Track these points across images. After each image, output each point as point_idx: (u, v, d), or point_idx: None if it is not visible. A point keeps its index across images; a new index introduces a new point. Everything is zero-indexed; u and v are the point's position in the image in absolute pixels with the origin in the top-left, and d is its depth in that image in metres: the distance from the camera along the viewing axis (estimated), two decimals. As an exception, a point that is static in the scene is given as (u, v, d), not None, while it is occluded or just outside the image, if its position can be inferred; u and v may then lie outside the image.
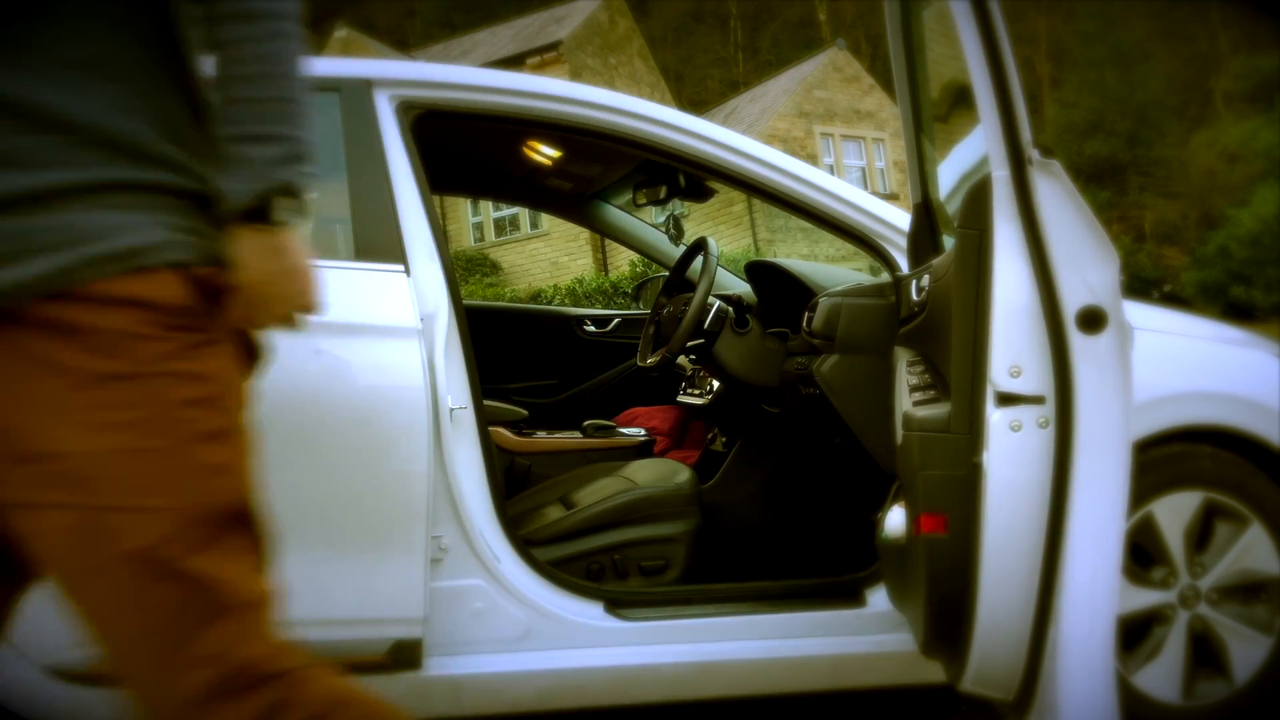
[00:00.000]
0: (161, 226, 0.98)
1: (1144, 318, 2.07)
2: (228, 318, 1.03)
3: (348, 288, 1.94)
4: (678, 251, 3.13)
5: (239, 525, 1.04)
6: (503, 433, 2.82)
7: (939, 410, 1.68)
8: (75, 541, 0.95)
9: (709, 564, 2.37)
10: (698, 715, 2.16)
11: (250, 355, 1.12)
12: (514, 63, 20.22)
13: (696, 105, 25.42)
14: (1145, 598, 2.00)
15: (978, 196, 1.61)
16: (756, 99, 22.92)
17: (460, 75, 2.18)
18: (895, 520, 1.83)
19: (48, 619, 1.81)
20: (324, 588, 1.86)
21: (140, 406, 0.96)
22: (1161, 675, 2.00)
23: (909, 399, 1.85)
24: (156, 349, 0.96)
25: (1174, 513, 2.00)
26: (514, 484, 2.75)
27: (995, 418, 1.58)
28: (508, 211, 20.55)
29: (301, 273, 1.05)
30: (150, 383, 0.96)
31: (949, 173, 2.08)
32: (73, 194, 0.94)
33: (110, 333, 0.94)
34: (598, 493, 2.38)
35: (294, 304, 1.06)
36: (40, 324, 0.93)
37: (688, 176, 2.86)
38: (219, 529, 1.00)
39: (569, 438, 2.95)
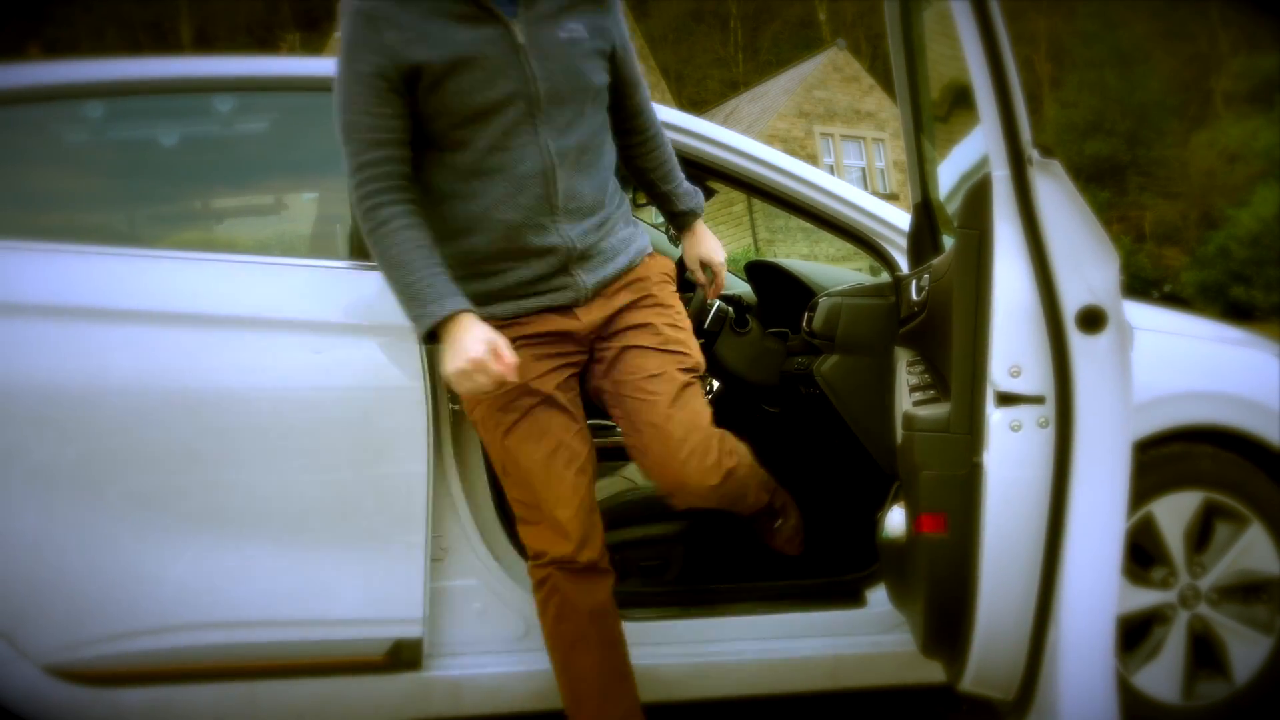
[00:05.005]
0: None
1: (1144, 318, 2.07)
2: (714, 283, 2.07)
3: (347, 287, 1.94)
4: (678, 252, 3.12)
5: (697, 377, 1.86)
6: (503, 433, 2.81)
7: (939, 410, 1.68)
8: (658, 361, 1.82)
9: (708, 564, 2.37)
10: (698, 715, 2.16)
11: None
12: (514, 63, 20.15)
13: (696, 105, 25.43)
14: (1145, 598, 2.00)
15: (977, 196, 1.61)
16: (756, 99, 22.93)
17: (460, 75, 2.18)
18: (895, 520, 1.83)
19: (48, 619, 1.82)
20: (325, 587, 1.86)
21: (665, 310, 1.88)
22: (1161, 675, 2.00)
23: (909, 399, 1.85)
24: (669, 287, 1.91)
25: (1174, 513, 2.00)
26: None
27: (995, 418, 1.58)
28: (508, 211, 20.49)
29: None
30: (667, 300, 1.89)
31: (949, 173, 2.08)
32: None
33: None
34: (598, 493, 2.38)
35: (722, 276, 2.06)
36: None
37: (688, 176, 2.86)
38: (694, 375, 1.84)
39: (569, 438, 2.94)
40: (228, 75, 2.11)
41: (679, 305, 1.90)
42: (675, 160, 1.99)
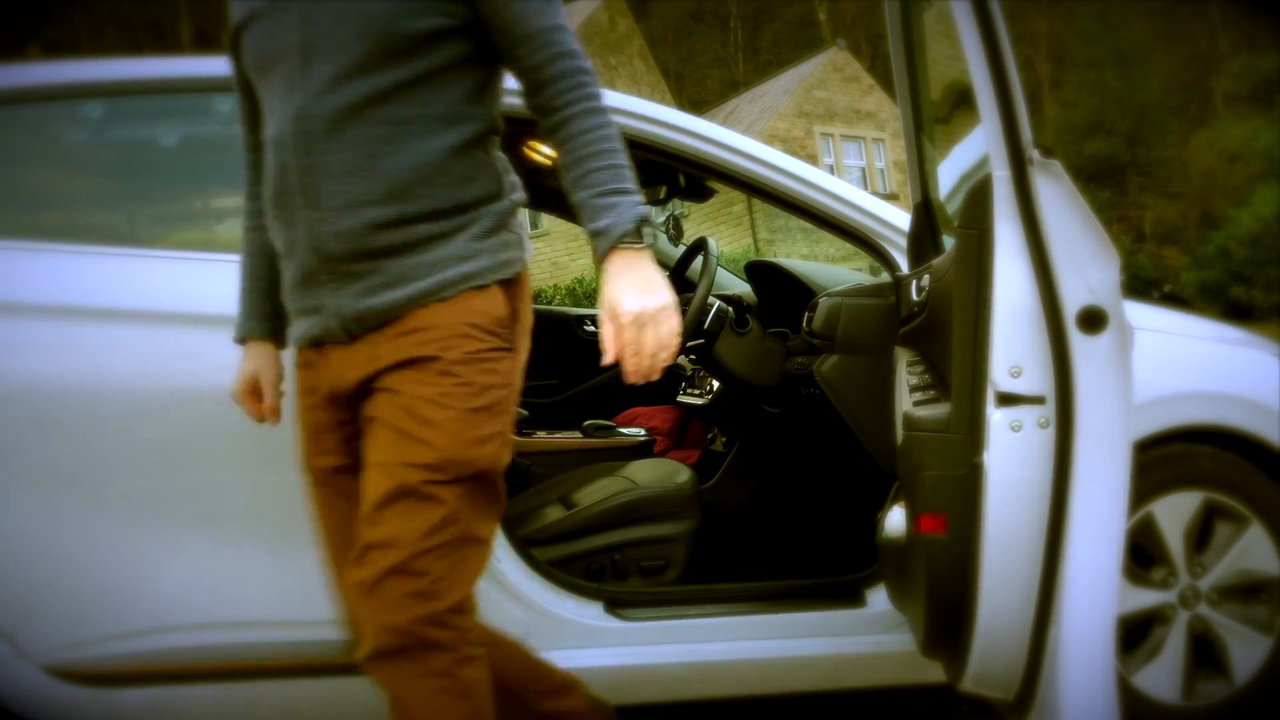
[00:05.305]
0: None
1: (1144, 318, 2.07)
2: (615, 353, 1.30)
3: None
4: (677, 251, 3.13)
5: (480, 480, 1.33)
6: (503, 433, 2.81)
7: (939, 410, 1.68)
8: (382, 445, 1.31)
9: (709, 564, 2.37)
10: (698, 715, 2.16)
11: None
12: (514, 63, 20.17)
13: (696, 105, 25.42)
14: (1145, 598, 2.00)
15: (978, 196, 1.61)
16: (756, 99, 22.92)
17: (460, 75, 2.18)
18: (895, 520, 1.83)
19: (48, 619, 1.82)
20: (324, 588, 1.86)
21: (454, 378, 1.30)
22: (1161, 675, 2.00)
23: (909, 399, 1.85)
24: (474, 346, 1.32)
25: (1174, 513, 2.00)
26: (514, 484, 2.75)
27: (995, 418, 1.58)
28: (508, 211, 20.51)
29: (669, 309, 1.30)
30: (465, 365, 1.31)
31: (949, 173, 2.08)
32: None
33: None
34: (598, 493, 2.38)
35: (662, 342, 1.30)
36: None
37: (688, 176, 2.86)
38: (465, 477, 1.30)
39: (569, 438, 2.95)
40: (228, 75, 2.11)
41: (480, 373, 1.32)
42: (607, 160, 1.32)
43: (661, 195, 2.96)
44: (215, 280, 1.92)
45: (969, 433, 1.62)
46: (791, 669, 2.06)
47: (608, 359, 1.30)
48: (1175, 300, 15.59)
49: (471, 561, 1.33)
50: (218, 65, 2.13)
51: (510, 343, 1.38)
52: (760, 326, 2.54)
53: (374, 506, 1.29)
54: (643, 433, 3.02)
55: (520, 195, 1.44)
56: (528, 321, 1.44)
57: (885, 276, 2.22)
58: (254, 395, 1.56)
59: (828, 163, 20.43)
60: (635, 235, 1.29)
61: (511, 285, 1.39)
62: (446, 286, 1.33)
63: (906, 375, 1.93)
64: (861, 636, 2.07)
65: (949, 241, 1.88)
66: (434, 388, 1.30)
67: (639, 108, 2.18)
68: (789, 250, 17.70)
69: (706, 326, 2.48)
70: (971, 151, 1.80)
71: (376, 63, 1.30)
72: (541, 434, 2.96)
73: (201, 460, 1.83)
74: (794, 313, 2.43)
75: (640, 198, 1.32)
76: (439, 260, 1.33)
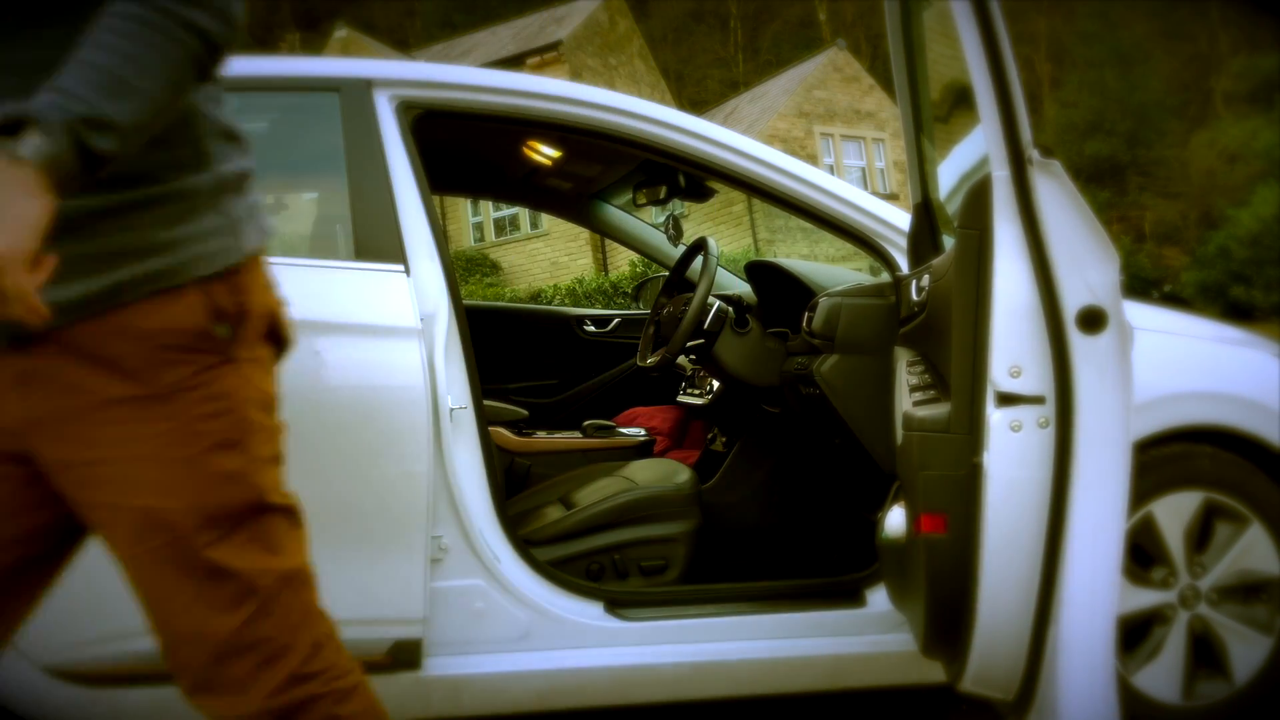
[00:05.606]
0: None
1: (1144, 318, 2.07)
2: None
3: (347, 287, 1.94)
4: (678, 251, 3.13)
5: (255, 519, 1.10)
6: (503, 433, 2.82)
7: (939, 410, 1.68)
8: (121, 534, 1.07)
9: (709, 564, 2.37)
10: (698, 715, 2.16)
11: (278, 348, 1.22)
12: (514, 63, 20.23)
13: (696, 105, 25.43)
14: (1145, 598, 2.00)
15: (978, 196, 1.61)
16: (756, 99, 22.92)
17: (460, 75, 2.18)
18: (895, 520, 1.83)
19: (47, 619, 1.82)
20: (323, 588, 1.85)
21: (165, 421, 1.03)
22: (1161, 675, 2.00)
23: (909, 399, 1.85)
24: (177, 373, 1.04)
25: (1174, 513, 2.00)
26: (514, 484, 2.75)
27: (995, 418, 1.58)
28: (508, 211, 20.57)
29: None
30: (172, 401, 1.04)
31: (949, 173, 2.08)
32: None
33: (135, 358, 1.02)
34: (598, 493, 2.38)
35: None
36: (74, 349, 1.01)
37: (688, 176, 2.86)
38: (235, 525, 1.07)
39: (569, 438, 2.95)
40: (228, 75, 2.11)
41: (195, 404, 1.04)
42: (86, 53, 0.91)
43: (661, 195, 2.97)
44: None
45: (969, 433, 1.62)
46: (791, 669, 2.06)
47: None
48: (1175, 300, 15.60)
49: (302, 595, 1.13)
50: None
51: (225, 352, 1.08)
52: (760, 326, 2.54)
53: (160, 600, 1.08)
54: (643, 433, 3.02)
55: (237, 166, 1.12)
56: (263, 313, 1.15)
57: (885, 276, 2.22)
58: None
59: (828, 163, 20.43)
60: (6, 135, 0.85)
61: (228, 278, 1.07)
62: (125, 289, 1.00)
63: (906, 375, 1.93)
64: (861, 636, 2.07)
65: (949, 241, 1.88)
66: (145, 444, 1.03)
67: (639, 108, 2.19)
68: (789, 250, 17.70)
69: (706, 326, 2.48)
70: (971, 151, 1.80)
71: None
72: (541, 434, 2.96)
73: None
74: (794, 313, 2.43)
75: (79, 105, 0.88)
76: (117, 252, 1.00)
